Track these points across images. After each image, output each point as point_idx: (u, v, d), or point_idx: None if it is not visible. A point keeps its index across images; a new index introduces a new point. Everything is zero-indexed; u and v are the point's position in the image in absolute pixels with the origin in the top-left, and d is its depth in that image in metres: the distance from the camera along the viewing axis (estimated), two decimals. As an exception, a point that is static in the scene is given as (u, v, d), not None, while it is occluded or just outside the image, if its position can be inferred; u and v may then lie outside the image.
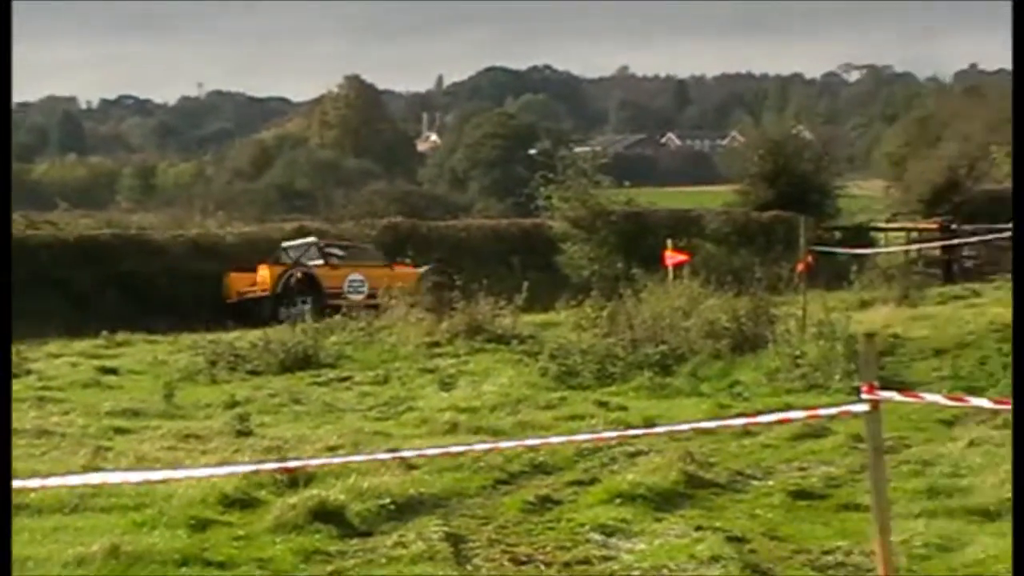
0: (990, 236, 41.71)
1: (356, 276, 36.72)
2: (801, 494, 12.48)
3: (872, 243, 44.63)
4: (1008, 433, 14.72)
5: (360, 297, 35.44)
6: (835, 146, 59.25)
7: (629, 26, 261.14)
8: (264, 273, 36.41)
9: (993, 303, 28.52)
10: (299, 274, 36.38)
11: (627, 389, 20.12)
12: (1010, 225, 40.11)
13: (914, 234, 45.36)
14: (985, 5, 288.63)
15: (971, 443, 14.14)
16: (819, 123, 67.77)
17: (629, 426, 15.30)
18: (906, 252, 43.30)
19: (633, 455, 14.04)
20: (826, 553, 10.36)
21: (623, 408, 17.93)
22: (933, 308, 29.03)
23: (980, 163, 61.28)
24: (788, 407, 15.27)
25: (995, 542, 9.81)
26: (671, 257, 29.90)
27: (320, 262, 37.14)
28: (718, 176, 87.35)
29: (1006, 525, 10.59)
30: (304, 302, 34.83)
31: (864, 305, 30.06)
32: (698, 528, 10.92)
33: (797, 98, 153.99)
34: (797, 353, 20.54)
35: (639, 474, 12.69)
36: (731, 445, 15.07)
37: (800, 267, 26.68)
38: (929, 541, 10.22)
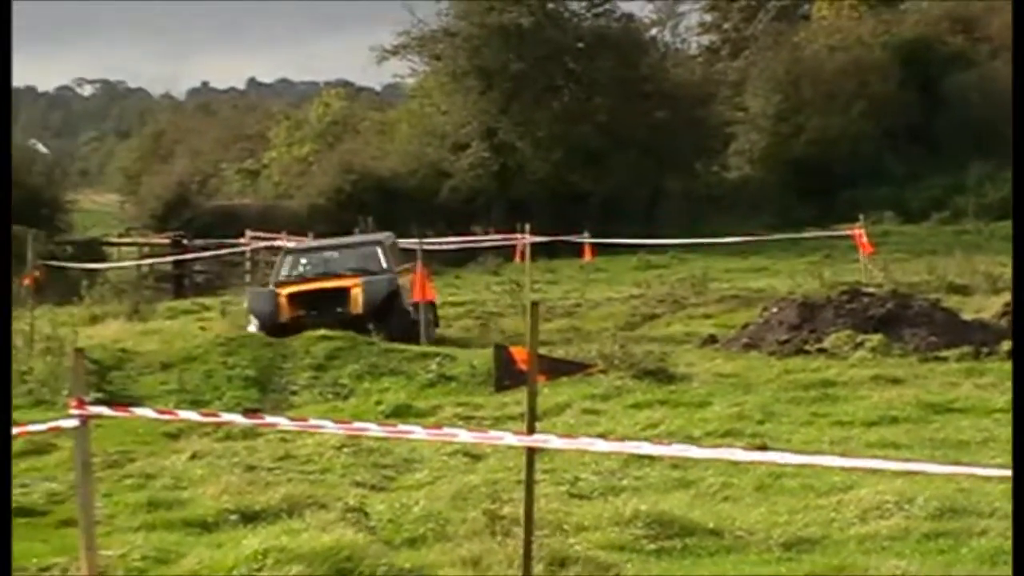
0: (221, 251, 42.77)
1: None
2: (22, 511, 12.34)
3: (104, 257, 44.53)
4: (229, 444, 15.20)
5: None
6: (68, 160, 58.87)
7: None
8: None
9: (220, 317, 29.20)
10: None
11: None
12: (240, 240, 41.38)
13: (146, 248, 45.65)
14: (218, 28, 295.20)
15: (193, 456, 14.44)
16: (51, 136, 67.00)
17: None
18: (138, 267, 43.50)
19: None
20: (44, 570, 10.33)
21: None
22: (163, 322, 29.36)
23: (211, 179, 62.74)
24: (14, 423, 15.00)
25: (211, 553, 10.08)
26: None
27: None
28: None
29: (223, 535, 10.93)
30: None
31: (95, 320, 30.00)
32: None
33: (29, 111, 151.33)
34: (24, 369, 20.27)
35: None
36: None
37: (27, 281, 26.32)
38: (147, 554, 10.37)
